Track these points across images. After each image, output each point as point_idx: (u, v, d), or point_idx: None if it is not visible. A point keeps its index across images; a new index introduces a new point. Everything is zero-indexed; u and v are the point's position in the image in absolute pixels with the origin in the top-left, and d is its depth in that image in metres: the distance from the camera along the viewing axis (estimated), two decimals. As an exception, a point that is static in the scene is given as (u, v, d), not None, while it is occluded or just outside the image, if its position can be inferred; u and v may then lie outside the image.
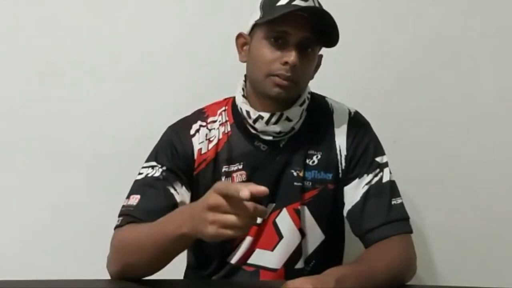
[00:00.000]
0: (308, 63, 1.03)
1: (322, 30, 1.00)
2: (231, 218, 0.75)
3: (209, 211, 0.77)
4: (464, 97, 1.50)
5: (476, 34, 1.49)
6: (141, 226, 0.96)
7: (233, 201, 0.75)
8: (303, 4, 0.98)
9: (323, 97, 1.16)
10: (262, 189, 0.74)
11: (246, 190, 0.72)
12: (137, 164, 1.10)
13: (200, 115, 1.13)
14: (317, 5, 1.02)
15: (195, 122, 1.11)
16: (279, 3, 1.00)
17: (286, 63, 0.99)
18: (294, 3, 0.99)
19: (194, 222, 0.81)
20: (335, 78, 1.46)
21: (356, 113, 1.13)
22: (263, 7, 1.03)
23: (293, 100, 1.07)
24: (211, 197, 0.77)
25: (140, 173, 1.07)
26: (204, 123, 1.11)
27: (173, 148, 1.08)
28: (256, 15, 1.04)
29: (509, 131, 1.50)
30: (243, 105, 1.08)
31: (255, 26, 1.04)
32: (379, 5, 1.50)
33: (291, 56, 0.98)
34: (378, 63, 1.50)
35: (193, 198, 1.06)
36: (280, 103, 1.04)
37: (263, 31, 1.02)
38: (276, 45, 1.00)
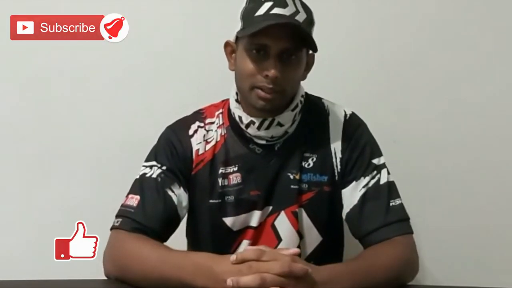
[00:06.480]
0: (294, 70, 1.02)
1: (302, 38, 0.99)
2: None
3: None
4: (465, 97, 1.49)
5: (476, 34, 1.48)
6: (149, 250, 0.94)
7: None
8: (281, 12, 0.96)
9: (320, 99, 1.15)
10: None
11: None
12: (137, 165, 1.10)
13: (198, 116, 1.14)
14: (299, 8, 0.99)
15: (194, 122, 1.12)
16: (257, 13, 0.98)
17: (267, 76, 0.98)
18: (272, 12, 0.97)
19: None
20: (336, 77, 1.46)
21: (352, 114, 1.12)
22: (243, 18, 1.01)
23: (285, 105, 1.06)
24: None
25: (139, 173, 1.08)
26: (202, 124, 1.11)
27: (172, 148, 1.08)
28: (238, 25, 1.03)
29: (510, 131, 1.49)
30: (236, 110, 1.08)
31: (238, 37, 1.04)
32: (380, 4, 1.49)
33: (272, 69, 0.97)
34: (378, 63, 1.50)
35: (190, 198, 1.08)
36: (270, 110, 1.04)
37: (244, 42, 1.01)
38: (258, 57, 0.99)
